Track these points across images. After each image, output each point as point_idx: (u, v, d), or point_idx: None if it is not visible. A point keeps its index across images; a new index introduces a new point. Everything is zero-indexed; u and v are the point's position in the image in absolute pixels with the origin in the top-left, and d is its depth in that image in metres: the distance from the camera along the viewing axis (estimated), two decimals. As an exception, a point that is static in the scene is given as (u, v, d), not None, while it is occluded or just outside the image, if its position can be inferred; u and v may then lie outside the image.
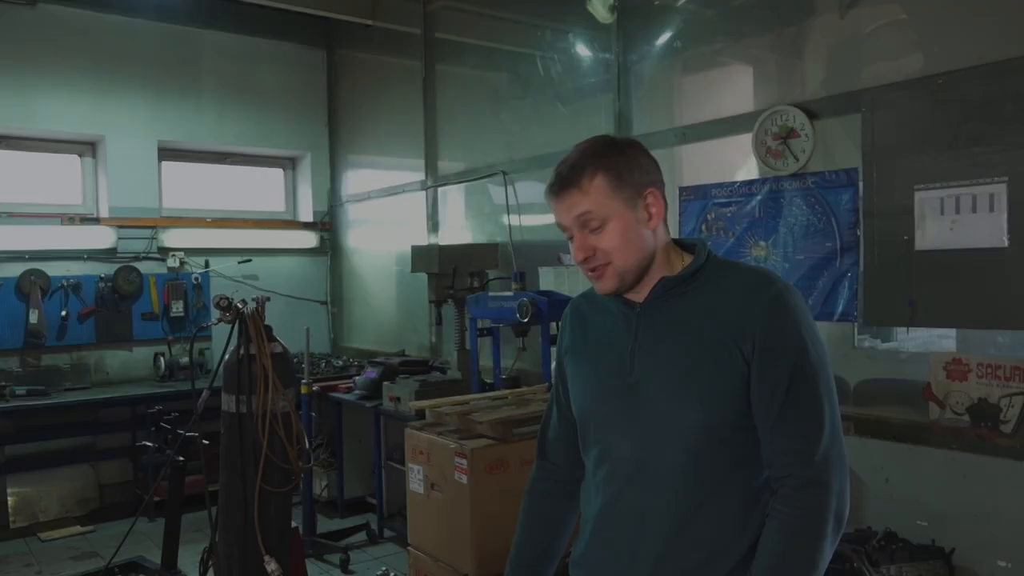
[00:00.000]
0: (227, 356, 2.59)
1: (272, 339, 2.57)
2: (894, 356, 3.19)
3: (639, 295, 1.50)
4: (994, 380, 2.75)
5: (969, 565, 2.77)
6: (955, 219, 2.81)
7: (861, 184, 3.08)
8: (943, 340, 3.00)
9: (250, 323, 2.51)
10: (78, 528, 5.15)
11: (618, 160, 1.46)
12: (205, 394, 2.69)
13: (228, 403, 2.52)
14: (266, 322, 2.63)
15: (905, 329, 3.05)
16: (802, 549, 1.37)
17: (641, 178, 1.46)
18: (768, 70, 3.61)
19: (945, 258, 2.83)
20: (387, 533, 4.76)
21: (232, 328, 2.58)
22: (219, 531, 2.56)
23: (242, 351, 2.52)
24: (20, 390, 5.07)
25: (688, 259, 1.51)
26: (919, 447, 2.91)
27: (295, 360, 5.66)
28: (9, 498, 5.25)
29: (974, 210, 2.76)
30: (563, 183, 1.46)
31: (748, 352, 1.39)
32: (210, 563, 2.56)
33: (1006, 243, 2.67)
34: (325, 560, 4.50)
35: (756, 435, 1.43)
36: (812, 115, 3.25)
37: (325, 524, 5.07)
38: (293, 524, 3.09)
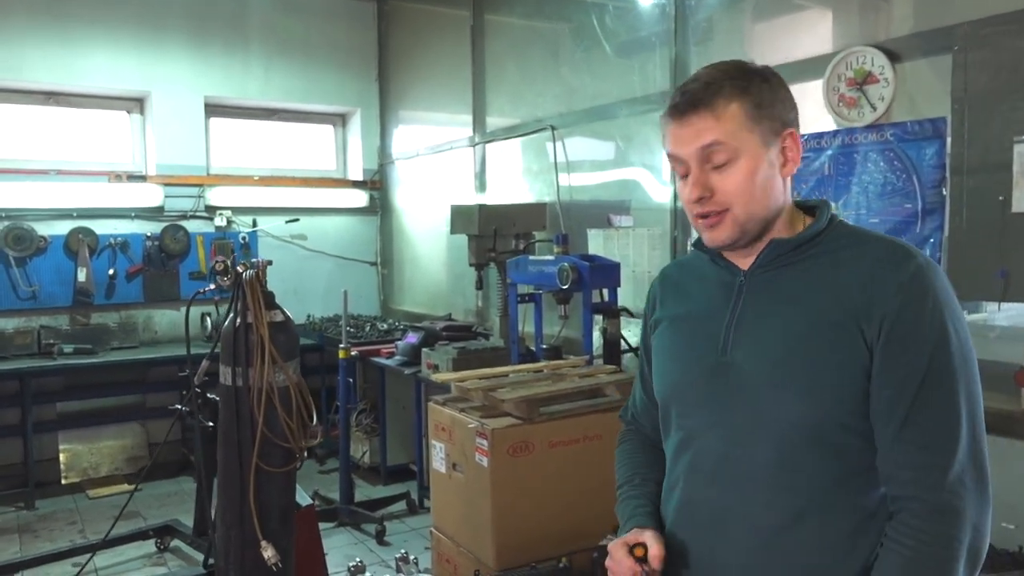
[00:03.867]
0: (225, 325, 2.40)
1: (273, 307, 2.36)
2: (983, 333, 2.78)
3: (746, 259, 1.28)
4: (1103, 366, 2.34)
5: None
6: (1063, 176, 2.38)
7: (949, 136, 2.66)
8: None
9: (248, 289, 2.31)
10: (125, 486, 5.18)
11: (761, 87, 1.22)
12: (204, 363, 2.53)
13: (225, 375, 2.34)
14: (279, 286, 2.42)
15: (997, 305, 2.65)
16: None
17: (783, 114, 1.24)
18: (842, 4, 3.18)
19: (1048, 222, 2.41)
20: (427, 503, 4.60)
21: (233, 295, 2.39)
22: (217, 512, 2.40)
23: (239, 320, 2.32)
24: (68, 348, 5.09)
25: (809, 222, 1.28)
26: (1008, 439, 2.52)
27: (337, 323, 5.57)
28: (61, 454, 5.32)
29: (1087, 166, 2.33)
30: (692, 102, 1.21)
31: (872, 338, 1.15)
32: (211, 545, 2.42)
33: (1125, 205, 2.25)
34: (362, 530, 4.38)
35: (873, 442, 1.18)
36: (894, 57, 2.82)
37: (367, 491, 4.97)
38: (310, 500, 2.93)
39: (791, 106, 1.25)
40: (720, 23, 3.74)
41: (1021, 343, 2.54)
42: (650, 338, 1.44)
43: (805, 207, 1.31)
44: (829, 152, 3.03)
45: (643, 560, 1.26)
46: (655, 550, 1.27)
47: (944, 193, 2.69)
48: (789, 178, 1.27)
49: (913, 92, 2.80)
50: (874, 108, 2.87)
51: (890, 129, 2.84)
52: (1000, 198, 2.51)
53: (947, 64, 2.65)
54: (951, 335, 1.14)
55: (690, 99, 1.21)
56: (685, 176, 1.25)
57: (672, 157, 1.26)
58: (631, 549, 1.27)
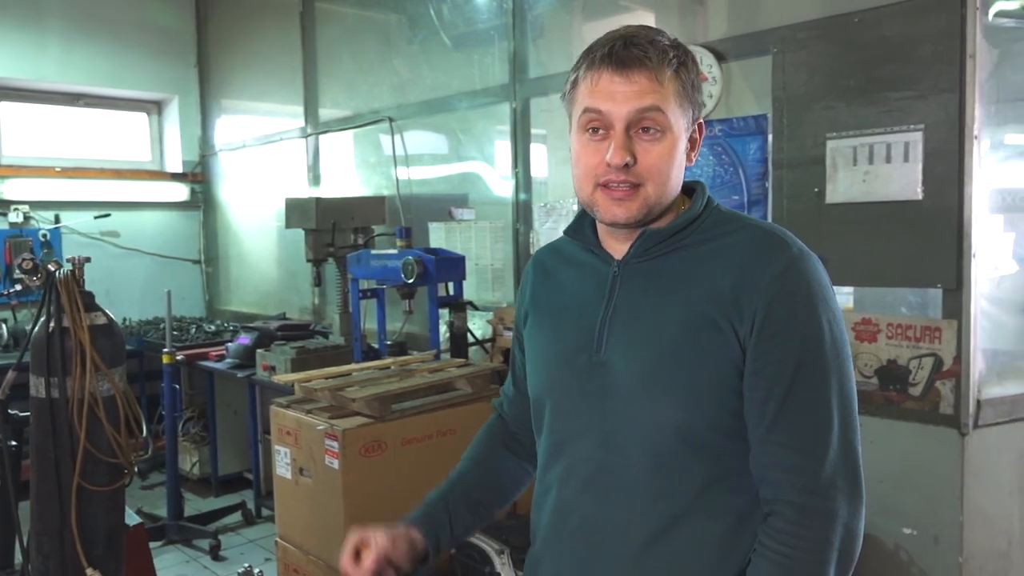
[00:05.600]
0: (36, 330, 2.13)
1: (93, 308, 2.12)
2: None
3: (620, 247, 1.20)
4: (904, 341, 2.60)
5: (874, 533, 2.66)
6: (868, 170, 2.62)
7: (770, 133, 2.86)
8: (839, 297, 2.85)
9: (62, 289, 2.06)
10: (-95, 520, 4.52)
11: (692, 69, 1.14)
12: (11, 375, 2.23)
13: (36, 387, 2.07)
14: (86, 287, 2.17)
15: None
16: None
17: (699, 102, 1.17)
18: (674, 7, 3.33)
19: (857, 212, 2.65)
20: (265, 512, 4.38)
21: (45, 297, 2.12)
22: (31, 540, 2.14)
23: (52, 325, 2.07)
24: None
25: (684, 208, 1.20)
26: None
27: (160, 327, 5.17)
28: None
29: (888, 160, 2.58)
30: (639, 57, 1.09)
31: (744, 334, 1.09)
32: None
33: (920, 196, 2.50)
34: (194, 546, 4.09)
35: (747, 441, 1.13)
36: (721, 57, 2.99)
37: (197, 504, 4.65)
38: (138, 519, 2.69)
39: (704, 99, 1.21)
40: (554, 20, 3.82)
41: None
42: (522, 330, 1.36)
43: (683, 188, 1.23)
44: (663, 146, 3.17)
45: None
46: (367, 561, 1.25)
47: (767, 186, 2.89)
48: None
49: (739, 90, 2.98)
50: (703, 105, 3.02)
51: (718, 125, 3.01)
52: (816, 190, 2.73)
53: (768, 65, 2.84)
54: (824, 329, 1.09)
55: (638, 54, 1.08)
56: (596, 134, 1.12)
57: (593, 111, 1.11)
58: (357, 551, 1.28)
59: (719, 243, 1.15)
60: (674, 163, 1.13)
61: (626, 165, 1.09)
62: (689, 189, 1.23)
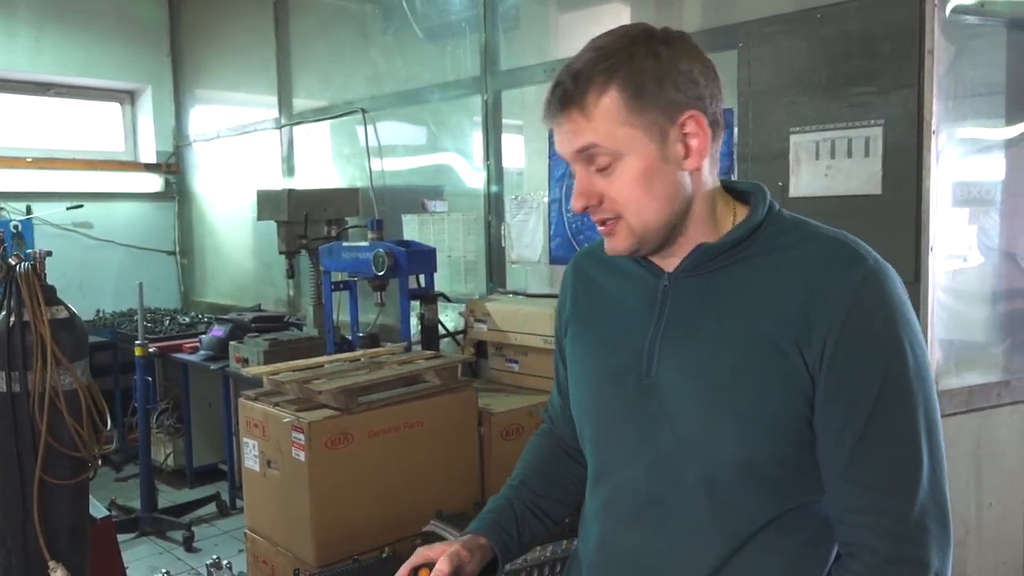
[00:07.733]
0: (-4, 324, 2.13)
1: (55, 302, 2.12)
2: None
3: (670, 259, 1.09)
4: (865, 333, 2.64)
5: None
6: (830, 164, 2.66)
7: (736, 127, 2.88)
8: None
9: (22, 283, 2.05)
10: None
11: (643, 65, 0.99)
12: (-29, 370, 2.23)
13: (-3, 381, 2.08)
14: (60, 278, 2.17)
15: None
16: None
17: (678, 95, 0.99)
18: (638, 1, 3.34)
19: (819, 205, 2.67)
20: (239, 504, 4.38)
21: (6, 291, 2.12)
22: (-7, 534, 2.14)
23: (12, 319, 2.07)
24: None
25: (742, 213, 1.07)
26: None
27: (135, 319, 5.14)
28: None
29: (849, 155, 2.61)
30: (561, 101, 1.01)
31: (814, 359, 0.97)
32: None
33: (880, 190, 2.54)
34: (168, 538, 4.09)
35: (815, 476, 1.02)
36: (689, 50, 3.00)
37: (172, 496, 4.65)
38: (106, 512, 2.70)
39: (693, 80, 1.00)
40: (528, 11, 3.82)
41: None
42: (563, 340, 1.26)
43: (737, 191, 1.12)
44: (632, 139, 3.19)
45: None
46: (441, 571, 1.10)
47: (732, 179, 2.91)
48: (704, 167, 1.05)
49: (706, 84, 3.00)
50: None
51: (685, 119, 3.03)
52: (780, 184, 2.75)
53: (733, 59, 2.86)
54: (906, 350, 0.97)
55: (560, 96, 1.02)
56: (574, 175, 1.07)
57: (560, 156, 1.07)
58: (415, 570, 1.15)
59: (783, 255, 1.03)
60: (649, 183, 1.02)
61: (588, 207, 1.04)
62: (748, 192, 1.11)
